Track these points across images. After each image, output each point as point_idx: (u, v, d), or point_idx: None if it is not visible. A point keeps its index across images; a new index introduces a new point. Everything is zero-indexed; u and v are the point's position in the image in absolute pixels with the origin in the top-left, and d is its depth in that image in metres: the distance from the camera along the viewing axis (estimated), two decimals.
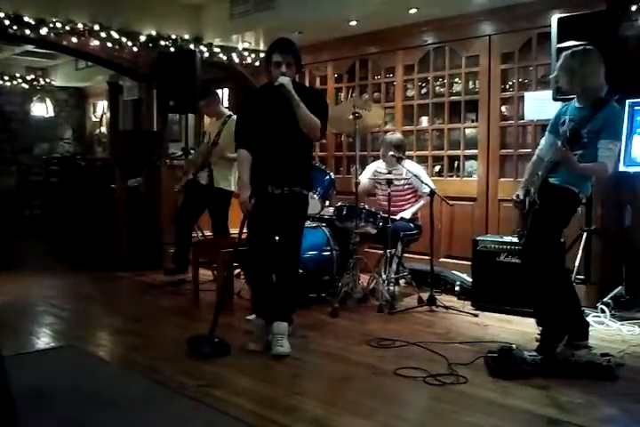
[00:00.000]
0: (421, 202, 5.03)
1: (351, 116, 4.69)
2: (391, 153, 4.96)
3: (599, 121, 3.23)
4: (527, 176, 3.67)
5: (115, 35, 6.01)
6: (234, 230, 4.75)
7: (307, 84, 6.89)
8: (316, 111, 3.47)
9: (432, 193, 4.67)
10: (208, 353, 3.42)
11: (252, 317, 4.02)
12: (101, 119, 10.37)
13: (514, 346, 3.26)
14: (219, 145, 5.23)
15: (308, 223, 4.95)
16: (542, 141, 3.70)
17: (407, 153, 5.62)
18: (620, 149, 3.56)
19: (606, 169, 3.28)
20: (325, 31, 6.05)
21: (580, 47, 3.49)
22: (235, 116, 5.31)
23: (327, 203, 5.10)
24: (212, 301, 4.33)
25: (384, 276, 4.63)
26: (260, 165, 3.59)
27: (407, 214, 5.01)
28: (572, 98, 3.50)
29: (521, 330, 3.98)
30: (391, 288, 4.62)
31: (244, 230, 3.66)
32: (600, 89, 3.33)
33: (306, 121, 3.43)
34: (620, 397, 2.89)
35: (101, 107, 10.37)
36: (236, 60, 6.81)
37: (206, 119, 5.91)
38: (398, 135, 5.34)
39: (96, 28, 5.90)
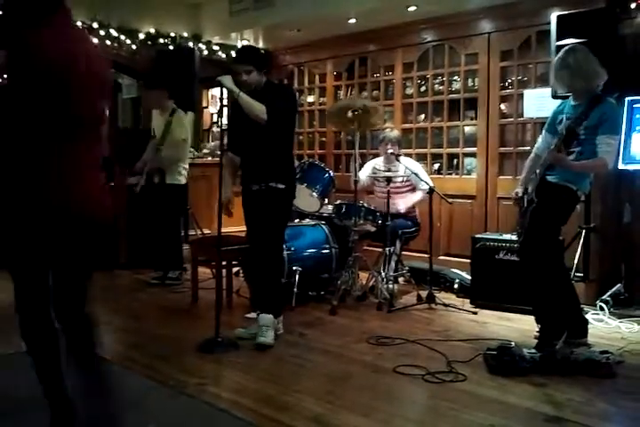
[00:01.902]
0: (418, 195, 4.99)
1: (350, 114, 4.69)
2: (390, 150, 4.96)
3: (595, 117, 3.23)
4: (525, 174, 3.67)
5: (113, 32, 6.00)
6: (232, 228, 4.75)
7: (306, 81, 6.92)
8: (270, 98, 3.61)
9: (431, 191, 4.66)
10: (221, 352, 3.48)
11: (252, 314, 4.03)
12: None
13: (513, 343, 3.26)
14: (166, 144, 5.27)
15: (307, 221, 4.96)
16: (539, 140, 3.71)
17: (406, 151, 5.64)
18: (619, 144, 3.56)
19: (605, 164, 3.28)
20: (324, 29, 6.04)
21: (576, 44, 3.50)
22: (180, 111, 5.34)
23: (326, 201, 5.10)
24: (211, 299, 4.31)
25: (383, 274, 4.63)
26: (243, 165, 3.85)
27: (402, 208, 4.92)
28: (569, 96, 3.51)
29: (520, 328, 3.99)
30: (390, 286, 4.62)
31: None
32: (599, 85, 3.34)
33: (246, 107, 3.59)
34: (619, 394, 2.90)
35: None
36: None
37: (155, 113, 5.52)
38: (396, 131, 5.34)
39: (95, 25, 5.89)
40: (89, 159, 2.13)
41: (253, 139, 3.70)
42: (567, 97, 3.56)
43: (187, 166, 5.44)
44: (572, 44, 3.53)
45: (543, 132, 3.68)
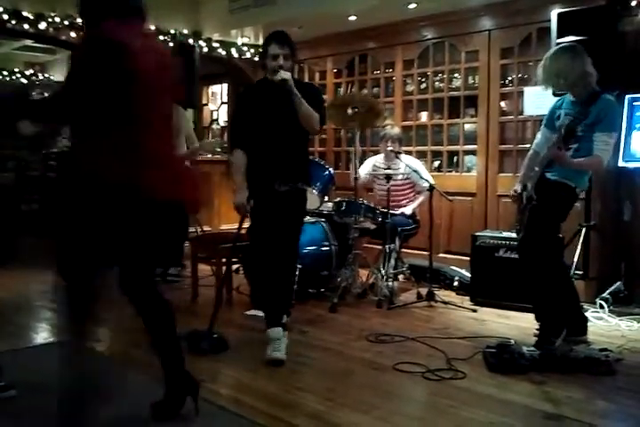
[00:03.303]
0: (421, 198, 5.02)
1: (350, 111, 4.68)
2: (390, 148, 4.96)
3: (593, 114, 3.23)
4: (524, 171, 3.67)
5: None
6: (229, 226, 4.75)
7: (306, 79, 6.89)
8: (314, 105, 3.44)
9: (431, 188, 4.67)
10: (206, 349, 3.41)
11: (251, 312, 4.03)
12: None
13: (512, 341, 3.27)
14: None
15: (307, 218, 4.95)
16: (538, 135, 3.71)
17: (407, 148, 5.64)
18: (616, 141, 3.55)
19: (601, 162, 3.29)
20: (325, 26, 6.04)
21: (556, 47, 3.52)
22: None
23: (326, 198, 5.09)
24: (211, 296, 4.32)
25: (383, 271, 4.63)
26: (263, 163, 3.51)
27: (408, 210, 5.00)
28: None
29: (519, 325, 3.99)
30: (390, 284, 4.62)
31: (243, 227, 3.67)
32: (588, 82, 3.32)
33: (307, 116, 3.38)
34: (618, 392, 2.90)
35: None
36: (236, 55, 6.80)
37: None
38: (397, 129, 5.34)
39: None
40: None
41: (283, 136, 3.46)
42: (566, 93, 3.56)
43: None
44: (556, 48, 3.49)
45: (542, 127, 3.68)
